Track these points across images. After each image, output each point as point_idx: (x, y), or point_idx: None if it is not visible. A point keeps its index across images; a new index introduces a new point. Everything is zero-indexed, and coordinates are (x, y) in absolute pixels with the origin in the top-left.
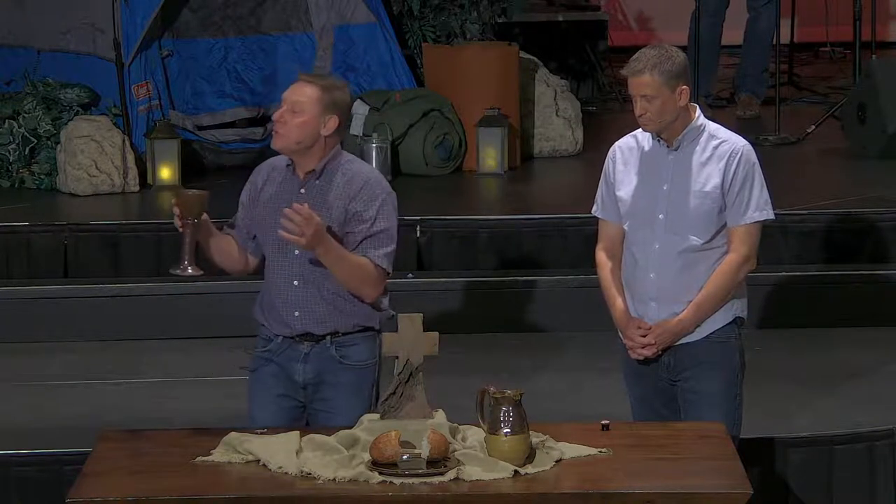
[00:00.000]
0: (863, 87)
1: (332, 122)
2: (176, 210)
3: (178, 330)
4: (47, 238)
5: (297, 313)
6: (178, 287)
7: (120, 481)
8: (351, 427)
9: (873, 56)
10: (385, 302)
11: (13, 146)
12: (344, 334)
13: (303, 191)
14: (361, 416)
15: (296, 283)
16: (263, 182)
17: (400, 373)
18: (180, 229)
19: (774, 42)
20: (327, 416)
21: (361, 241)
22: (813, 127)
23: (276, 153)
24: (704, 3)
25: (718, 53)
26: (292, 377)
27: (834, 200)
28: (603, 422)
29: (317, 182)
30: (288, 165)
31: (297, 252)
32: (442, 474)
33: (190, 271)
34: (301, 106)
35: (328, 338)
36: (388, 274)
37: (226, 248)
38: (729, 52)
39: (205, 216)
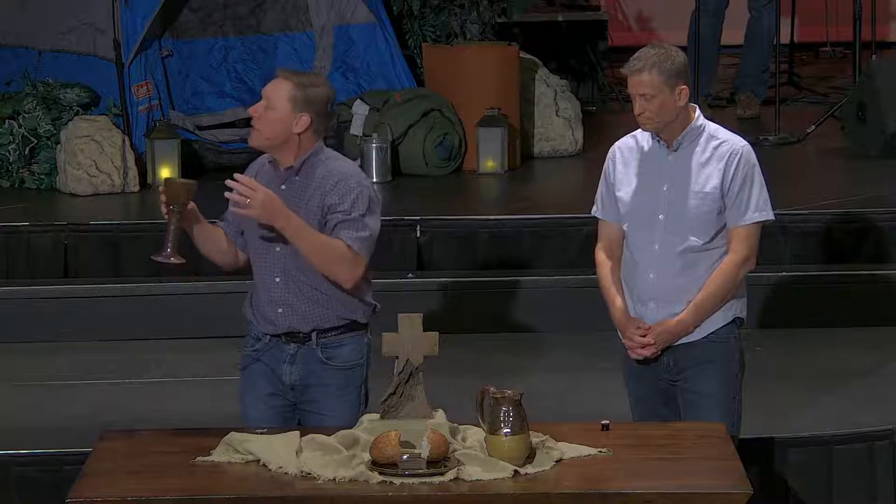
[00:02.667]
0: (863, 87)
1: (304, 120)
2: (162, 197)
3: (178, 330)
4: (47, 238)
5: (280, 310)
6: (178, 287)
7: (120, 481)
8: (341, 427)
9: (873, 56)
10: (369, 295)
11: (13, 146)
12: (329, 330)
13: (283, 187)
14: (350, 416)
15: (278, 279)
16: (253, 177)
17: (400, 373)
18: (165, 216)
19: (775, 42)
20: (317, 417)
21: (335, 227)
22: (813, 127)
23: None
24: (704, 3)
25: (718, 53)
26: (280, 378)
27: (834, 200)
28: (603, 422)
29: (296, 178)
30: (270, 162)
31: (278, 248)
32: (442, 474)
33: (172, 260)
34: (273, 102)
35: (314, 336)
36: (364, 260)
37: (214, 239)
38: (729, 52)
39: (192, 205)
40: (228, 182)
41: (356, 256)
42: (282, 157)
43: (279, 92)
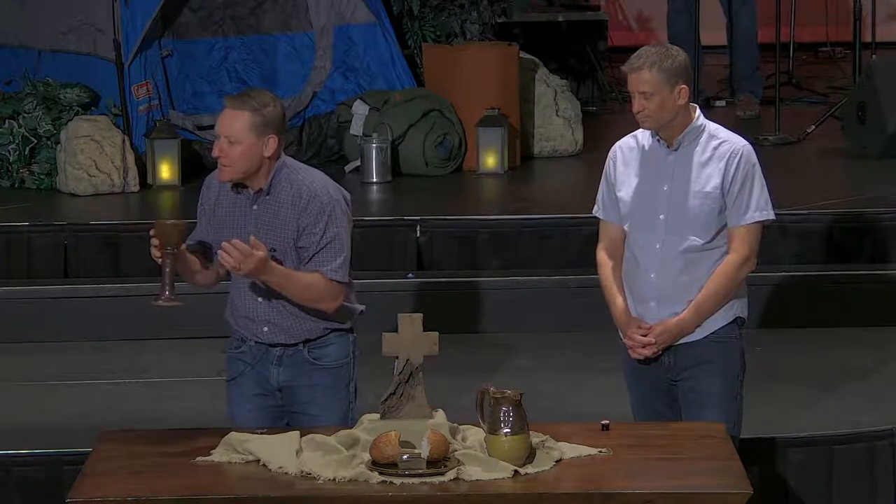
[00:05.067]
0: (863, 87)
1: (273, 142)
2: (155, 241)
3: (178, 330)
4: (47, 238)
5: (266, 328)
6: (178, 287)
7: (120, 481)
8: (333, 426)
9: (873, 56)
10: (353, 298)
11: (13, 146)
12: (317, 339)
13: (255, 207)
14: (341, 415)
15: (260, 300)
16: (216, 198)
17: (400, 373)
18: (159, 260)
19: (773, 42)
20: (307, 418)
21: (313, 257)
22: (813, 127)
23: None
24: (674, 3)
25: (700, 52)
26: (267, 379)
27: (834, 200)
28: (603, 422)
29: (267, 197)
30: (234, 186)
31: None
32: (442, 474)
33: (173, 303)
34: (237, 136)
35: (300, 344)
36: (345, 285)
37: (200, 272)
38: (720, 52)
39: (182, 247)
40: (225, 245)
41: (338, 287)
42: (253, 183)
43: (238, 124)
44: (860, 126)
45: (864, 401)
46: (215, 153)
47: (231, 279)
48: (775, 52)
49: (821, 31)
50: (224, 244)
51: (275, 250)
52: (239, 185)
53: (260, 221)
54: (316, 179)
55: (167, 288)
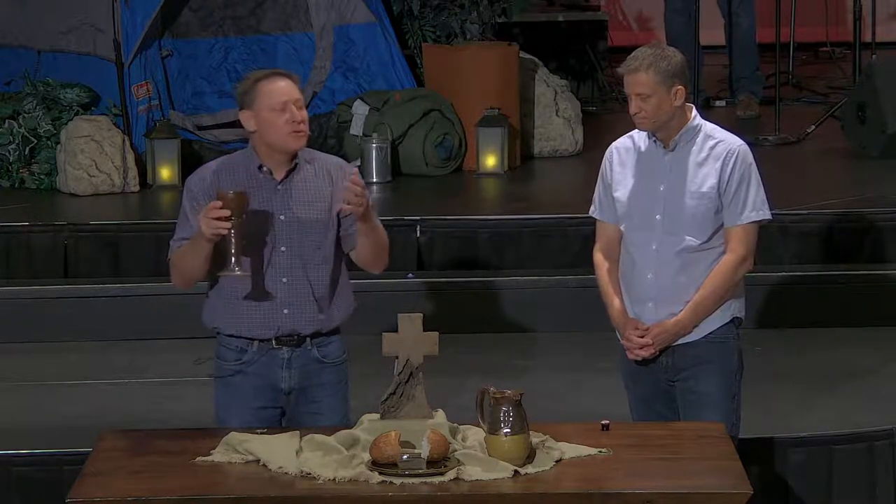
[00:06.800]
0: (863, 87)
1: None
2: (225, 212)
3: (178, 330)
4: (47, 238)
5: (286, 311)
6: (173, 287)
7: (120, 481)
8: (338, 425)
9: (873, 56)
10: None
11: (13, 146)
12: (325, 334)
13: (280, 187)
14: (343, 412)
15: (284, 280)
16: (215, 189)
17: (400, 373)
18: (224, 231)
19: (773, 42)
20: (313, 417)
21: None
22: (813, 127)
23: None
24: (671, 2)
25: (699, 53)
26: (276, 385)
27: (834, 200)
28: (603, 422)
29: (295, 175)
30: (261, 167)
31: (283, 249)
32: (442, 474)
33: (238, 272)
34: (300, 101)
35: (308, 339)
36: None
37: (205, 261)
38: (718, 52)
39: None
40: (349, 185)
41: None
42: (289, 157)
43: (298, 89)
44: (860, 126)
45: (864, 401)
46: (298, 120)
47: (253, 270)
48: (775, 52)
49: (821, 31)
50: (348, 185)
51: (319, 221)
52: (261, 167)
53: (293, 198)
54: (333, 156)
55: (234, 258)
